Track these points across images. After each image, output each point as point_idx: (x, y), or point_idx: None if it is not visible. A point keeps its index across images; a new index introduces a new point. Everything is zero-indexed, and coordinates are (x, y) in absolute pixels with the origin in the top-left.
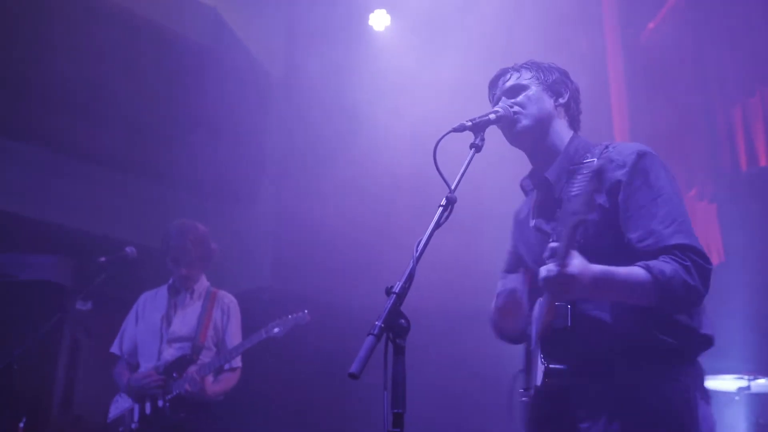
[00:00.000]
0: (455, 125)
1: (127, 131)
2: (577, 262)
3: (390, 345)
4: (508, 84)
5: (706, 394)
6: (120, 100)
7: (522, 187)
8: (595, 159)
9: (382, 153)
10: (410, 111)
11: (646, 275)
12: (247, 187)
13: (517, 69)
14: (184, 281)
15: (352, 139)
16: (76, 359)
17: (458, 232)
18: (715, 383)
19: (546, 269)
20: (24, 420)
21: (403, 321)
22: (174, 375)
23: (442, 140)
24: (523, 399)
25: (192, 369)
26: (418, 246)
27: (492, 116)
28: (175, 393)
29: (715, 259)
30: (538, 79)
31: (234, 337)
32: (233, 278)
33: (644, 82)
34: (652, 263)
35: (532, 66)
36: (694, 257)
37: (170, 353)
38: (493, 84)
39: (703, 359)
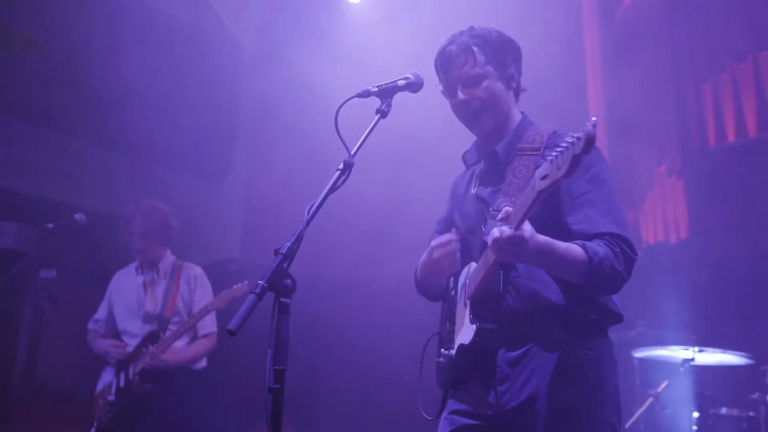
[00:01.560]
0: (360, 90)
1: (96, 101)
2: (528, 228)
3: (276, 304)
4: (466, 73)
5: (615, 362)
6: (85, 68)
7: (464, 159)
8: (542, 146)
9: (353, 126)
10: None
11: (582, 253)
12: (218, 160)
13: (470, 51)
14: (147, 260)
15: (323, 112)
16: (40, 327)
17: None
18: (662, 353)
19: (499, 230)
20: None
21: (288, 281)
22: (143, 350)
23: (347, 105)
24: (440, 360)
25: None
26: (310, 209)
27: (401, 82)
28: (141, 366)
29: (682, 233)
30: (494, 66)
31: (190, 304)
32: (203, 249)
33: (619, 57)
34: (588, 243)
35: (484, 46)
36: (623, 246)
37: (146, 331)
38: (445, 62)
39: (653, 330)
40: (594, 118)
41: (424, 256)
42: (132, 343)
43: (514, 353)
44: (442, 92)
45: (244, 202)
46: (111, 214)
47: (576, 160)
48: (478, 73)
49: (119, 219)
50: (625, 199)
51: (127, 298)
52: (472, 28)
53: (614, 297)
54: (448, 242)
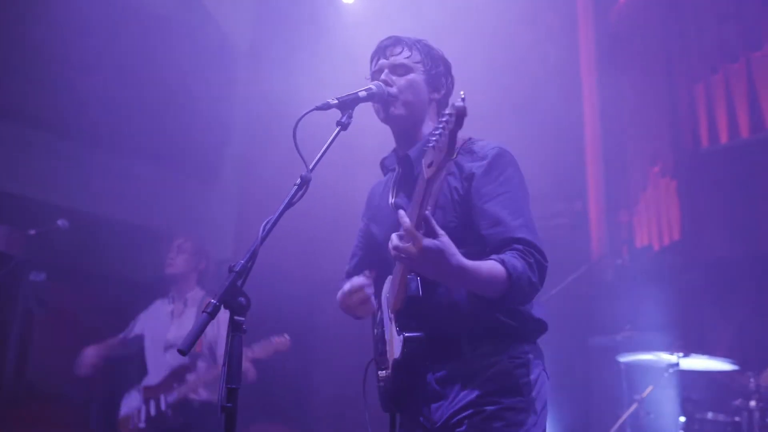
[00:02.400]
0: (319, 103)
1: (86, 102)
2: (445, 240)
3: (230, 322)
4: (397, 60)
5: (544, 370)
6: (77, 68)
7: (382, 165)
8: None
9: (347, 128)
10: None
11: (502, 271)
12: (211, 161)
13: (410, 46)
14: (177, 290)
15: (318, 113)
16: (30, 330)
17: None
18: (647, 357)
19: (396, 235)
20: None
21: (242, 299)
22: (174, 385)
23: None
24: (380, 384)
25: (190, 377)
26: (265, 225)
27: (362, 93)
28: (175, 398)
29: (674, 235)
30: (424, 66)
31: (216, 339)
32: None
33: (613, 58)
34: (506, 258)
35: (424, 50)
36: (537, 255)
37: (169, 361)
38: (381, 50)
39: (638, 334)
40: (462, 92)
41: (343, 290)
42: (157, 372)
43: (440, 372)
44: (367, 79)
45: (236, 204)
46: (102, 215)
47: (453, 136)
48: (408, 65)
49: (111, 221)
50: (619, 199)
51: (156, 324)
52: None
53: (535, 303)
54: (361, 288)
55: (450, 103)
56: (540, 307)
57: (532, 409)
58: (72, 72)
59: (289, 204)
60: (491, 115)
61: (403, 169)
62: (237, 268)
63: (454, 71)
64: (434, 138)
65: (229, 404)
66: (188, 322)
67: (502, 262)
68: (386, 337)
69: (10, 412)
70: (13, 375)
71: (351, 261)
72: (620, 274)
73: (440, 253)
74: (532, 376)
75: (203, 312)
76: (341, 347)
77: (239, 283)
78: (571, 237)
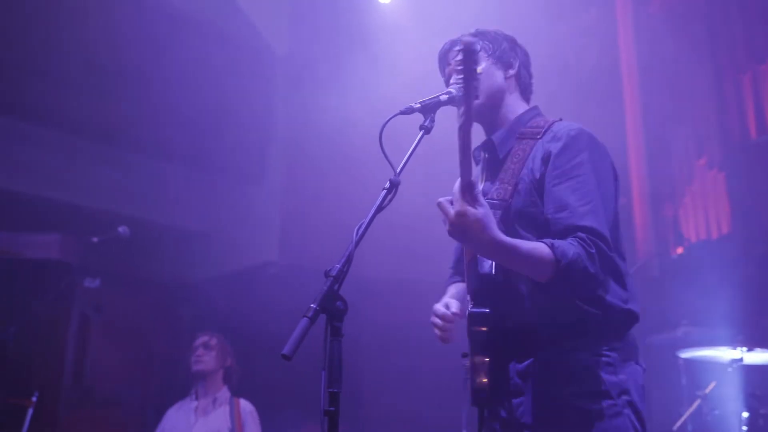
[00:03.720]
0: (403, 108)
1: (133, 108)
2: (483, 211)
3: (328, 327)
4: (459, 59)
5: (635, 368)
6: (123, 76)
7: (474, 157)
8: (542, 131)
9: (388, 127)
10: (417, 85)
11: (549, 254)
12: (254, 163)
13: None
14: (203, 388)
15: (358, 114)
16: (86, 335)
17: None
18: (708, 353)
19: (444, 199)
20: (36, 394)
21: (339, 303)
22: None
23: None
24: (466, 377)
25: None
26: (358, 230)
27: (443, 97)
28: None
29: (723, 228)
30: (486, 51)
31: None
32: (241, 254)
33: (655, 50)
34: (557, 243)
35: (480, 36)
36: (600, 244)
37: None
38: (443, 59)
39: (698, 330)
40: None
41: (436, 308)
42: None
43: (522, 364)
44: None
45: (280, 205)
46: (153, 221)
47: (468, 74)
48: None
49: (158, 226)
50: (664, 193)
51: (177, 424)
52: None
53: (621, 291)
54: (445, 321)
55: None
56: (634, 297)
57: (625, 413)
58: (128, 83)
59: (379, 208)
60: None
61: (489, 154)
62: (333, 273)
63: None
64: (455, 87)
65: (331, 408)
66: (216, 421)
67: (551, 246)
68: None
69: (70, 417)
70: (72, 380)
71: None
72: (668, 270)
73: (475, 222)
74: (622, 376)
75: (304, 317)
76: (391, 349)
77: (336, 287)
78: None
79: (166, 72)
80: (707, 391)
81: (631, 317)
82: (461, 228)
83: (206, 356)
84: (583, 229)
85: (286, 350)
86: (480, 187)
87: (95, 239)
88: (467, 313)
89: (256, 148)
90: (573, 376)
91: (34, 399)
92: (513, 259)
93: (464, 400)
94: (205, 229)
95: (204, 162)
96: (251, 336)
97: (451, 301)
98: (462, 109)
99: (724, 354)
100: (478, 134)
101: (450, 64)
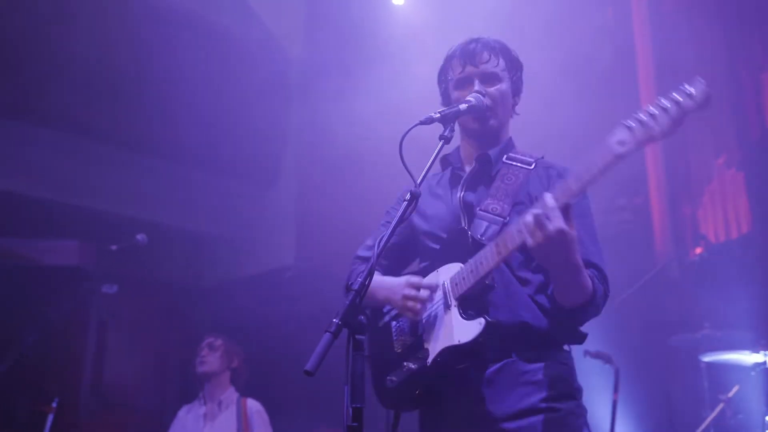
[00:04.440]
0: (422, 118)
1: (149, 113)
2: (575, 236)
3: (350, 341)
4: (488, 69)
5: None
6: (139, 81)
7: (446, 160)
8: (533, 162)
9: (404, 128)
10: (432, 87)
11: (590, 285)
12: (269, 167)
13: (496, 53)
14: (209, 392)
15: (373, 116)
16: (104, 341)
17: None
18: (731, 357)
19: (532, 214)
20: (56, 400)
21: (362, 317)
22: None
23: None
24: (392, 378)
25: None
26: (379, 242)
27: (463, 107)
28: None
29: (743, 227)
30: (509, 73)
31: None
32: (257, 259)
33: (671, 49)
34: (594, 276)
35: (506, 55)
36: (606, 284)
37: None
38: (468, 56)
39: (720, 333)
40: (702, 80)
41: (393, 287)
42: None
43: (490, 370)
44: (449, 83)
45: (296, 208)
46: (170, 225)
47: (682, 118)
48: (498, 74)
49: (176, 229)
50: (682, 193)
51: (186, 428)
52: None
53: None
54: (422, 300)
55: (699, 86)
56: None
57: (584, 414)
58: (144, 88)
59: (401, 220)
60: (547, 109)
61: (480, 166)
62: (355, 287)
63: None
64: (649, 113)
65: (354, 424)
66: (224, 424)
67: (592, 278)
68: (426, 326)
69: (89, 422)
70: (90, 385)
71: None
72: (688, 271)
73: (572, 242)
74: (576, 383)
75: (326, 332)
76: None
77: (358, 301)
78: (634, 233)
79: (182, 76)
80: (730, 395)
81: (583, 337)
82: (557, 244)
83: (210, 357)
84: (594, 266)
85: (309, 366)
86: (459, 194)
87: (113, 247)
88: (486, 321)
89: (271, 152)
90: (540, 382)
91: (54, 405)
92: (576, 280)
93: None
94: (221, 233)
95: (219, 166)
96: (267, 338)
97: (412, 278)
98: (629, 142)
99: (747, 358)
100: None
101: (477, 67)
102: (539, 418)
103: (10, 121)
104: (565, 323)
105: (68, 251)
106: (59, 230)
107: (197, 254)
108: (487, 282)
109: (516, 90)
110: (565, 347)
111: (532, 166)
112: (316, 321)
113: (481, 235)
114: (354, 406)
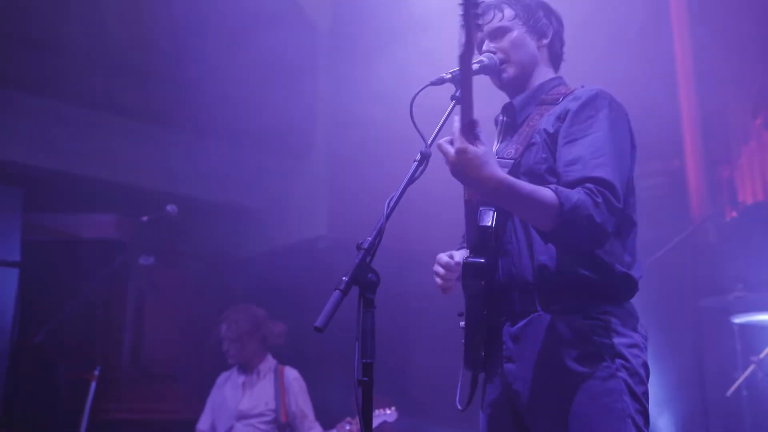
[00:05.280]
0: (433, 78)
1: (180, 89)
2: (484, 149)
3: (361, 299)
4: (492, 26)
5: (634, 334)
6: (165, 56)
7: (495, 122)
8: (561, 96)
9: (434, 98)
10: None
11: (552, 197)
12: (301, 138)
13: (499, 7)
14: (246, 362)
15: (403, 86)
16: (142, 312)
17: None
18: (764, 318)
19: (444, 139)
20: (98, 368)
21: (372, 275)
22: None
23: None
24: (462, 340)
25: None
26: (389, 202)
27: (475, 66)
28: None
29: None
30: (521, 19)
31: (300, 410)
32: (290, 229)
33: (707, 8)
34: (561, 188)
35: (513, 2)
36: (608, 194)
37: (240, 430)
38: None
39: (753, 294)
40: None
41: (439, 259)
42: None
43: (515, 327)
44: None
45: (328, 179)
46: (204, 198)
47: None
48: (505, 26)
49: (211, 202)
50: (719, 154)
51: (225, 396)
52: None
53: (627, 256)
54: (447, 270)
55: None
56: (638, 264)
57: (620, 377)
58: (174, 63)
59: (411, 180)
60: (577, 73)
61: (507, 117)
62: (365, 246)
63: None
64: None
65: (365, 378)
66: (262, 393)
67: (555, 190)
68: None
69: (129, 390)
70: (130, 355)
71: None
72: (724, 233)
73: (475, 158)
74: (616, 340)
75: (336, 290)
76: (436, 317)
77: (368, 260)
78: (670, 197)
79: (212, 51)
80: (762, 356)
81: (631, 283)
82: (461, 165)
83: (232, 348)
84: (592, 180)
85: (318, 323)
86: (495, 147)
87: (144, 218)
88: (462, 263)
89: (301, 124)
90: (566, 340)
91: (96, 373)
92: (515, 199)
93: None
94: (254, 205)
95: (252, 140)
96: (302, 308)
97: (454, 253)
98: (462, 38)
99: None
100: (482, 96)
101: (482, 31)
102: (557, 380)
103: (50, 99)
104: (566, 251)
105: (106, 225)
106: (98, 205)
107: (231, 226)
108: (480, 224)
109: (538, 32)
110: (606, 305)
111: (559, 101)
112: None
113: None
114: (364, 361)
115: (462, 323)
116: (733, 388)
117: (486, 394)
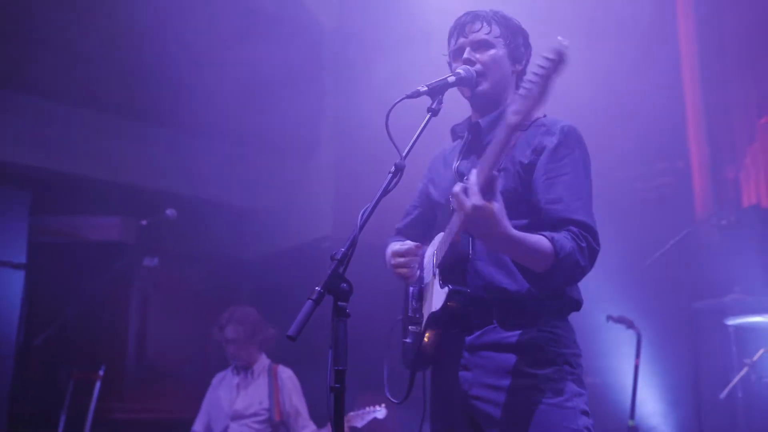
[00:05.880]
0: (409, 92)
1: (185, 89)
2: (499, 206)
3: (334, 307)
4: (478, 37)
5: (576, 345)
6: (175, 58)
7: (453, 132)
8: (530, 124)
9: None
10: None
11: (549, 247)
12: (305, 138)
13: (489, 21)
14: (235, 362)
15: (408, 86)
16: (147, 312)
17: None
18: (758, 320)
19: (459, 185)
20: (103, 368)
21: (344, 285)
22: None
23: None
24: (407, 340)
25: None
26: (363, 213)
27: (451, 79)
28: None
29: None
30: (505, 39)
31: (294, 408)
32: (295, 229)
33: (712, 7)
34: (556, 237)
35: (502, 22)
36: (590, 240)
37: (235, 430)
38: (460, 29)
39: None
40: (561, 38)
41: (392, 248)
42: None
43: (470, 338)
44: (448, 60)
45: (333, 179)
46: (208, 199)
47: (548, 82)
48: (490, 41)
49: (217, 204)
50: (724, 154)
51: (220, 396)
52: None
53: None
54: (409, 254)
55: (553, 49)
56: (575, 285)
57: (568, 378)
58: (177, 64)
59: (385, 191)
60: (584, 75)
61: (472, 136)
62: (338, 256)
63: (546, 27)
64: (526, 86)
65: (337, 385)
66: (256, 392)
67: (551, 240)
68: (425, 294)
69: (133, 389)
70: (135, 355)
71: (404, 219)
72: (726, 235)
73: (490, 216)
74: (564, 350)
75: (309, 299)
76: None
77: (341, 270)
78: (675, 197)
79: (216, 50)
80: (755, 358)
81: (577, 305)
82: (476, 220)
83: (242, 351)
84: (575, 222)
85: (291, 331)
86: (455, 165)
87: (144, 222)
88: (449, 289)
89: (307, 125)
90: (520, 348)
91: (101, 373)
92: (517, 251)
93: (387, 356)
94: (259, 206)
95: (257, 140)
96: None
97: (405, 240)
98: (521, 110)
99: None
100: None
101: (467, 37)
102: (514, 382)
103: (56, 103)
104: (542, 289)
105: (110, 227)
106: (103, 207)
107: (236, 227)
108: (460, 249)
109: (515, 57)
110: (554, 320)
111: (528, 129)
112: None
113: None
114: (337, 368)
115: (413, 327)
116: (726, 390)
117: (433, 392)
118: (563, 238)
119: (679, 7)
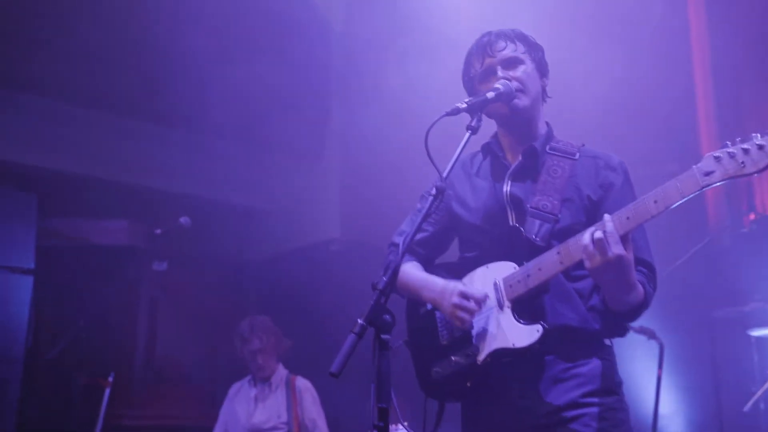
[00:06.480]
0: (448, 109)
1: (192, 90)
2: (631, 258)
3: (376, 341)
4: (506, 55)
5: (622, 382)
6: (183, 59)
7: (487, 149)
8: (576, 152)
9: (448, 101)
10: None
11: (642, 293)
12: (313, 140)
13: (512, 39)
14: (260, 373)
15: (416, 89)
16: (156, 317)
17: None
18: None
19: (596, 231)
20: (112, 374)
21: (387, 316)
22: None
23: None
24: (437, 370)
25: None
26: (404, 240)
27: (491, 95)
28: None
29: None
30: (530, 55)
31: (312, 421)
32: (303, 231)
33: (724, 5)
34: (645, 283)
35: (522, 38)
36: (655, 280)
37: None
38: (483, 49)
39: None
40: None
41: (456, 291)
42: None
43: (530, 366)
44: (473, 80)
45: (340, 182)
46: (216, 201)
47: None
48: (519, 57)
49: (224, 206)
50: None
51: (237, 408)
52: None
53: None
54: (473, 312)
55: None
56: None
57: (626, 408)
58: (187, 66)
59: (427, 215)
60: (594, 76)
61: (526, 160)
62: (380, 286)
63: (557, 27)
64: (735, 150)
65: (381, 423)
66: (274, 405)
67: (644, 286)
68: (483, 324)
69: (143, 395)
70: (144, 360)
71: (415, 234)
72: (740, 242)
73: (628, 266)
74: (617, 378)
75: (351, 332)
76: None
77: (383, 300)
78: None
79: (224, 50)
80: None
81: (625, 331)
82: (614, 267)
83: (269, 360)
84: (645, 263)
85: (334, 368)
86: (506, 188)
87: (158, 231)
88: (543, 329)
89: (314, 125)
90: (587, 377)
91: (110, 379)
92: (628, 294)
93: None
94: (267, 208)
95: (264, 141)
96: (315, 311)
97: (416, 263)
98: (718, 174)
99: None
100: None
101: (494, 57)
102: (579, 412)
103: (63, 104)
104: (615, 324)
105: (119, 231)
106: (111, 211)
107: (244, 229)
108: (544, 288)
109: (542, 71)
110: (606, 342)
111: (577, 157)
112: (361, 292)
113: (535, 235)
114: (380, 406)
115: (456, 358)
116: (750, 403)
117: (481, 424)
118: (647, 283)
119: (691, 7)
